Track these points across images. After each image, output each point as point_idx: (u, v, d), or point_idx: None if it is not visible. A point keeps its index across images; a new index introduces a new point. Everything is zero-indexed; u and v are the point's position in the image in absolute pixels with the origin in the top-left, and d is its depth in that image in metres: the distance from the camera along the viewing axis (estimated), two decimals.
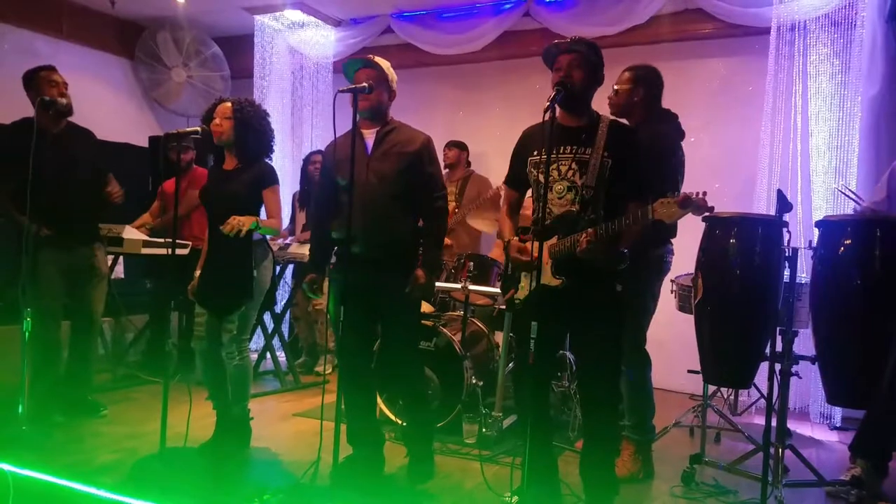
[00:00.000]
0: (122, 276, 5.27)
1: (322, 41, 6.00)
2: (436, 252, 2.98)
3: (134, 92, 6.41)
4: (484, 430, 3.52)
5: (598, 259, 2.38)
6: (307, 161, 5.19)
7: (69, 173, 3.63)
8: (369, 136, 2.94)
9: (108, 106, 6.11)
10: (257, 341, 5.43)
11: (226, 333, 3.19)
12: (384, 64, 2.92)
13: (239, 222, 2.98)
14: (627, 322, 3.02)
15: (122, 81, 6.34)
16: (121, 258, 4.85)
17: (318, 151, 5.11)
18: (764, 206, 4.39)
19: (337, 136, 2.74)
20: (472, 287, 3.80)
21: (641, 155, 2.55)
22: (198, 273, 3.26)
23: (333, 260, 3.14)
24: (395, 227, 2.89)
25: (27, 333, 3.24)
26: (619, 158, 2.48)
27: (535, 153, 2.57)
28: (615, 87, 3.21)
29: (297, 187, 5.56)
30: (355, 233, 2.83)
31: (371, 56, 2.93)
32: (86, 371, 3.88)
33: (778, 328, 2.78)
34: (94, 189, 3.77)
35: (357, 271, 2.83)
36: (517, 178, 2.72)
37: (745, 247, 2.72)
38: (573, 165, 2.49)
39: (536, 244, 2.35)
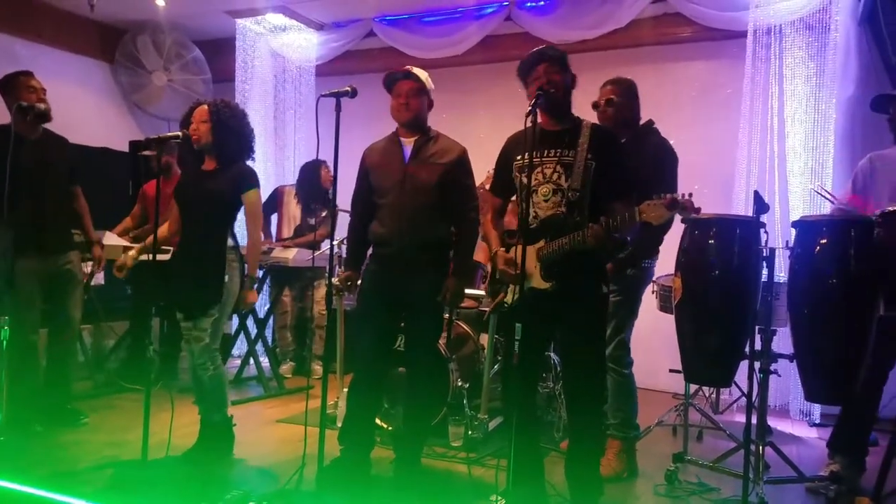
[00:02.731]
0: (103, 282, 5.22)
1: (305, 44, 6.00)
2: (467, 260, 3.08)
3: (114, 96, 6.37)
4: (470, 432, 3.53)
5: (603, 246, 2.43)
6: (319, 167, 5.11)
7: (46, 179, 3.61)
8: (408, 143, 3.01)
9: (88, 110, 6.06)
10: (240, 346, 5.41)
11: (198, 343, 3.15)
12: (423, 75, 2.99)
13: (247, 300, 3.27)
14: (617, 323, 3.11)
15: (103, 85, 6.29)
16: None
17: (325, 161, 5.03)
18: (742, 206, 4.45)
19: (375, 142, 2.96)
20: None
21: (624, 156, 2.61)
22: (132, 254, 3.27)
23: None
24: (428, 230, 2.96)
25: (4, 342, 3.20)
26: (603, 160, 2.52)
27: (520, 157, 2.61)
28: (608, 98, 3.22)
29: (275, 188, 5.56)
30: (390, 235, 2.94)
31: (409, 67, 3.00)
32: (65, 379, 3.84)
33: (757, 327, 2.82)
34: (71, 196, 3.76)
35: (389, 272, 2.95)
36: (502, 184, 2.76)
37: (723, 247, 2.76)
38: (558, 168, 2.52)
39: (521, 250, 2.38)
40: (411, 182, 2.94)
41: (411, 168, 2.96)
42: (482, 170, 5.03)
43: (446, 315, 3.89)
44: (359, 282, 3.15)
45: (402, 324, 3.16)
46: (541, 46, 2.62)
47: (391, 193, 2.96)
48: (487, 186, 5.08)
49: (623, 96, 3.22)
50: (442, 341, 3.70)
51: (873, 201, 3.08)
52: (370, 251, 3.13)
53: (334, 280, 3.13)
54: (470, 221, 3.04)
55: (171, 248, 4.34)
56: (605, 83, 3.27)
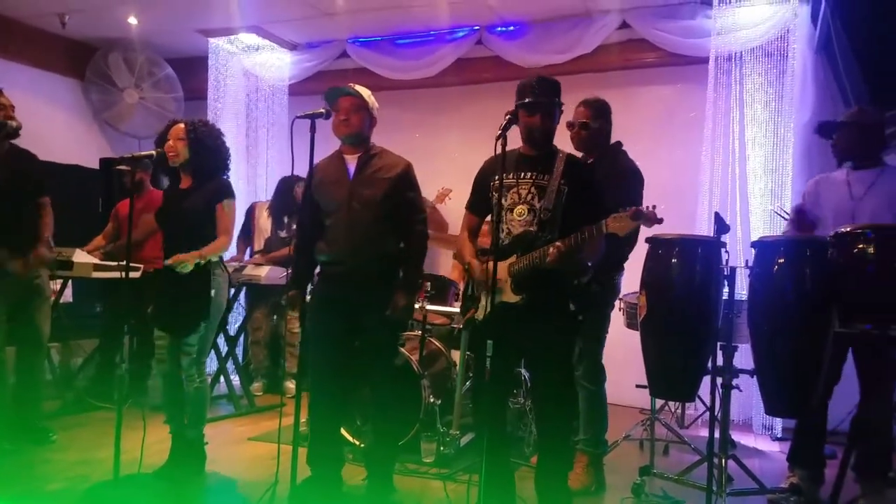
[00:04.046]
0: (71, 299, 5.16)
1: (278, 64, 6.04)
2: (415, 274, 3.08)
3: (84, 113, 6.31)
4: (442, 448, 3.56)
5: (562, 267, 2.51)
6: (293, 183, 5.14)
7: (18, 194, 3.60)
8: (351, 160, 3.03)
9: (58, 127, 6.00)
10: (210, 365, 5.37)
11: (185, 356, 3.17)
12: (365, 92, 3.03)
13: (182, 260, 3.02)
14: (589, 340, 3.20)
15: (73, 103, 6.24)
16: (70, 282, 4.76)
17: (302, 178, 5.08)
18: (705, 226, 4.58)
19: (318, 160, 2.88)
20: (429, 307, 3.87)
21: (594, 185, 2.72)
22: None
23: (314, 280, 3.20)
24: (377, 246, 2.97)
25: None
26: (575, 187, 2.64)
27: (497, 178, 2.69)
28: (583, 121, 3.31)
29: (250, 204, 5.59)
30: (337, 254, 2.94)
31: (352, 84, 3.04)
32: (34, 396, 3.80)
33: (719, 343, 2.91)
34: (39, 210, 3.74)
35: (340, 289, 2.94)
36: (478, 203, 2.85)
37: (686, 266, 2.84)
38: (532, 190, 2.64)
39: (492, 265, 2.46)
40: (358, 198, 2.95)
41: (357, 184, 2.98)
42: (455, 187, 5.14)
43: (418, 332, 3.96)
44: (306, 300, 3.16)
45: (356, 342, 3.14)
46: (538, 77, 2.70)
47: (339, 211, 2.96)
48: (437, 204, 5.21)
49: (597, 119, 3.32)
50: (414, 358, 3.74)
51: (821, 224, 3.20)
52: (317, 270, 3.12)
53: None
54: (418, 234, 3.05)
55: (142, 266, 4.37)
56: (580, 104, 3.36)
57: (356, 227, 2.94)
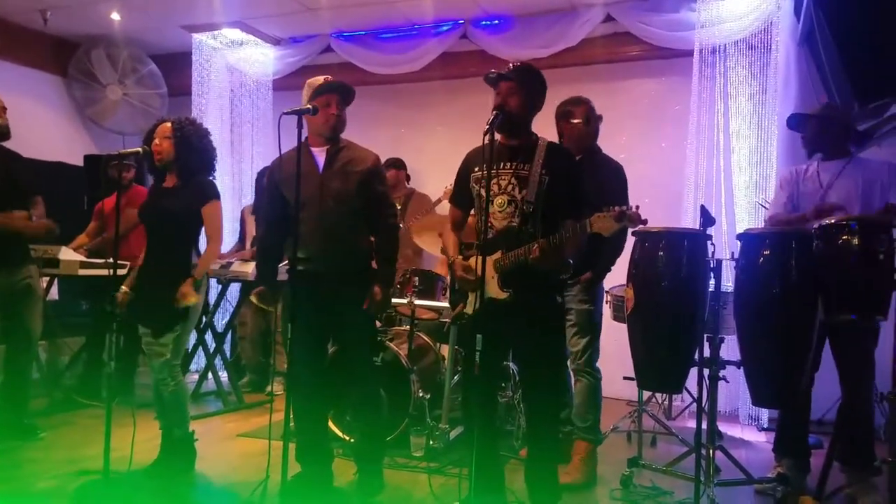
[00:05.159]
0: (57, 297, 5.12)
1: (262, 59, 6.01)
2: (389, 268, 3.05)
3: (67, 110, 6.25)
4: (431, 442, 3.58)
5: (547, 265, 2.52)
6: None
7: (5, 194, 3.57)
8: (319, 153, 2.99)
9: (41, 124, 5.94)
10: (198, 361, 5.35)
11: (158, 357, 3.12)
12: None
13: (186, 294, 3.05)
14: (593, 331, 3.31)
15: (56, 99, 6.18)
16: (56, 279, 4.72)
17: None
18: (691, 219, 4.61)
19: (283, 153, 2.79)
20: (417, 302, 3.87)
21: (576, 174, 2.71)
22: (124, 288, 3.19)
23: (285, 278, 3.17)
24: (350, 242, 2.95)
25: None
26: (556, 175, 2.62)
27: (478, 169, 2.70)
28: (579, 120, 3.34)
29: (238, 203, 5.56)
30: (311, 250, 2.89)
31: (329, 77, 3.01)
32: (22, 394, 3.78)
33: (705, 335, 2.94)
34: (27, 210, 3.71)
35: (313, 287, 2.90)
36: (461, 196, 2.84)
37: (672, 259, 2.85)
38: (513, 180, 2.62)
39: (480, 260, 2.47)
40: (329, 191, 2.92)
41: (328, 177, 2.94)
42: (441, 183, 5.14)
43: (406, 327, 3.96)
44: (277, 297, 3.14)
45: (332, 337, 3.13)
46: (516, 64, 2.69)
47: (309, 205, 2.89)
48: (445, 200, 5.21)
49: (594, 114, 3.39)
50: (403, 352, 3.75)
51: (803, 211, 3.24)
52: (286, 265, 3.11)
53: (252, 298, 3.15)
54: (389, 227, 3.03)
55: (128, 264, 4.33)
56: (583, 102, 3.39)
57: (328, 221, 2.90)
